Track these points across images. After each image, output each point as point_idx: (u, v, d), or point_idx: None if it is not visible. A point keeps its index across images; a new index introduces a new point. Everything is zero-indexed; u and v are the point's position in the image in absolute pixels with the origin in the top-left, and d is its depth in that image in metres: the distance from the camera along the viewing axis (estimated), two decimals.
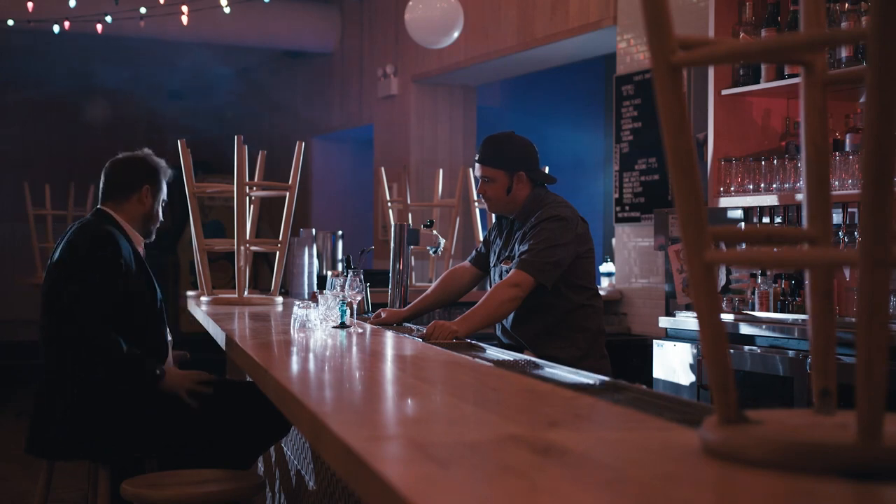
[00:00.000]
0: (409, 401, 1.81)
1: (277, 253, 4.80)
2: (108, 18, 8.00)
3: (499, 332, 3.59)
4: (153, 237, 3.69)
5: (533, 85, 9.17)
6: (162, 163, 3.71)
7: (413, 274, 5.91)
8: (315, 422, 1.53)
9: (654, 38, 1.17)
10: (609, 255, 6.58)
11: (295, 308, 3.09)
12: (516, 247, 3.47)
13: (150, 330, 3.45)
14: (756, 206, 4.39)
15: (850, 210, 4.01)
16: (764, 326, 4.10)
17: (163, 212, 3.71)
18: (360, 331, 3.17)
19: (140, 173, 3.61)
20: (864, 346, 1.06)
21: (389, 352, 2.72)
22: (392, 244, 4.16)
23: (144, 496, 2.83)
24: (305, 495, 3.34)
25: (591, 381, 2.19)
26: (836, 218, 4.01)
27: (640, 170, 5.92)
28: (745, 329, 4.15)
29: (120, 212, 3.55)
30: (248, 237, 4.80)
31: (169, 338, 3.66)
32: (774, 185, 4.21)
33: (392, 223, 4.34)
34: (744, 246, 1.29)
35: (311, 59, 10.60)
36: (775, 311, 4.24)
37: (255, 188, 4.90)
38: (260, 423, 3.30)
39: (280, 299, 4.79)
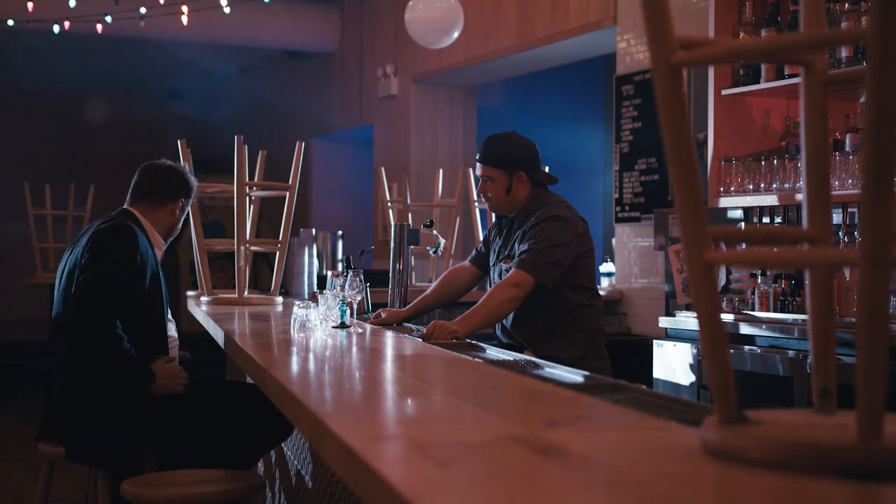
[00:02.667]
0: (409, 401, 1.81)
1: (277, 253, 4.80)
2: (108, 18, 8.00)
3: (499, 332, 3.59)
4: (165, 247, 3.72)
5: (533, 85, 9.16)
6: (195, 181, 3.77)
7: (413, 274, 5.91)
8: (315, 422, 1.53)
9: (654, 38, 1.17)
10: (609, 255, 6.58)
11: (295, 308, 3.09)
12: (516, 246, 3.47)
13: (149, 328, 3.45)
14: (756, 206, 4.39)
15: (850, 210, 4.01)
16: (764, 326, 4.10)
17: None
18: (360, 331, 3.17)
19: (181, 185, 3.66)
20: (864, 346, 1.06)
21: (389, 352, 2.72)
22: (392, 244, 4.15)
23: (144, 496, 2.82)
24: (305, 495, 3.34)
25: (591, 381, 2.19)
26: (836, 218, 4.01)
27: (640, 170, 5.92)
28: (745, 329, 4.15)
29: (149, 216, 3.57)
30: (248, 237, 4.80)
31: (174, 333, 3.66)
32: (774, 185, 4.21)
33: (392, 223, 4.34)
34: (744, 246, 1.29)
35: (311, 59, 10.59)
36: (775, 311, 4.24)
37: (255, 188, 4.90)
38: (261, 425, 3.30)
39: (280, 299, 4.80)
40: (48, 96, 11.48)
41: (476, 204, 6.18)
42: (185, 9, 7.72)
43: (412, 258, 4.83)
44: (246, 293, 4.78)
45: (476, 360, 2.48)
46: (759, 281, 4.32)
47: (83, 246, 3.36)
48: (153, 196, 3.61)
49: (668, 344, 4.58)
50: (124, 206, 3.62)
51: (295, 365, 2.41)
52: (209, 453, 3.26)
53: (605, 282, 6.24)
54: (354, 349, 2.70)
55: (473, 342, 3.15)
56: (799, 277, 4.24)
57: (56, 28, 8.06)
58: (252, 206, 4.95)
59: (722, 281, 4.48)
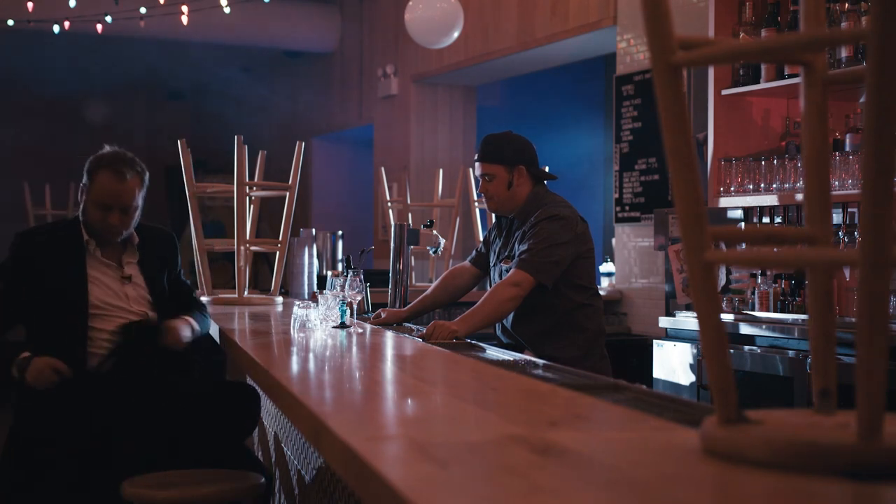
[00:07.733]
0: (409, 401, 1.81)
1: (277, 253, 4.80)
2: (108, 18, 8.00)
3: (499, 332, 3.59)
4: None
5: (533, 85, 9.16)
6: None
7: (413, 274, 5.91)
8: (315, 422, 1.53)
9: (654, 38, 1.17)
10: (609, 255, 6.58)
11: (295, 308, 3.09)
12: (516, 246, 3.47)
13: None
14: (756, 206, 4.39)
15: (850, 210, 4.01)
16: (764, 326, 4.10)
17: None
18: (360, 331, 3.17)
19: None
20: (864, 346, 1.06)
21: (389, 352, 2.72)
22: (392, 244, 4.15)
23: (144, 496, 2.82)
24: (305, 495, 3.34)
25: (590, 381, 2.19)
26: (836, 218, 4.01)
27: (640, 170, 5.92)
28: (745, 329, 4.15)
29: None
30: (248, 237, 4.80)
31: None
32: (774, 185, 4.21)
33: (392, 223, 4.34)
34: (744, 246, 1.29)
35: (311, 59, 10.59)
36: (775, 311, 4.24)
37: (255, 188, 4.90)
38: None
39: (280, 299, 4.79)
40: (48, 96, 11.46)
41: (476, 204, 6.18)
42: (185, 9, 7.72)
43: (412, 258, 4.83)
44: (246, 293, 4.78)
45: (476, 360, 2.48)
46: (759, 281, 4.32)
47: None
48: None
49: (668, 344, 4.58)
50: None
51: (295, 365, 2.41)
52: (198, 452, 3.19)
53: (605, 282, 6.24)
54: (354, 349, 2.70)
55: (473, 342, 3.15)
56: (799, 277, 4.24)
57: (56, 28, 8.06)
58: (252, 206, 4.95)
59: (722, 281, 4.48)
